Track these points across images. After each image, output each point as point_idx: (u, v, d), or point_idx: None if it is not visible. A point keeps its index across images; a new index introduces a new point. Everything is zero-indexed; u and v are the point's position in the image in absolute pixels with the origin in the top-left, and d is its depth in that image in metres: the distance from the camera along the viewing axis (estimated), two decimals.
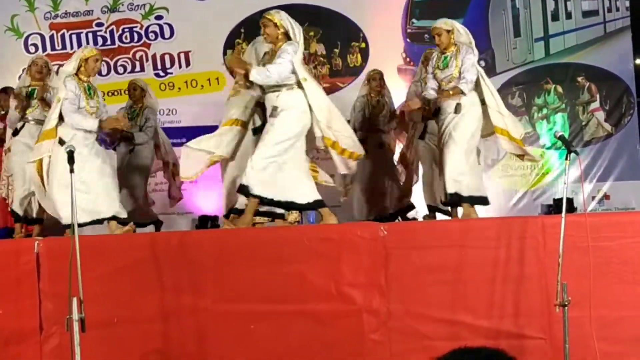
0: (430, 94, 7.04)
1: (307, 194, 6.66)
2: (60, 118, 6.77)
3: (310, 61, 9.80)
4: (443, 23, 7.01)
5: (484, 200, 7.03)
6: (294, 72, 6.43)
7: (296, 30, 6.54)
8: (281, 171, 6.49)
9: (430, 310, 5.84)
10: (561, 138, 5.54)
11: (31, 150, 7.04)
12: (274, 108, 6.47)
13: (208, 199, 9.20)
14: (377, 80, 8.47)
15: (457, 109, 6.79)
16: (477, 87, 6.93)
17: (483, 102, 6.92)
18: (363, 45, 9.91)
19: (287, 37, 6.53)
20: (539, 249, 5.82)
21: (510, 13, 10.36)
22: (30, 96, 7.43)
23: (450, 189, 6.83)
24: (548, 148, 10.07)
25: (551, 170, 9.97)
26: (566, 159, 5.29)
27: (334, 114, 6.65)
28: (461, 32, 6.99)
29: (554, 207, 8.74)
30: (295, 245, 5.97)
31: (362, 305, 5.84)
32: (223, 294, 5.88)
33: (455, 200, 6.89)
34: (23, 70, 8.17)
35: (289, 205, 6.74)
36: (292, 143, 6.49)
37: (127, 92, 8.49)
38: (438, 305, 5.85)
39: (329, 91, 9.66)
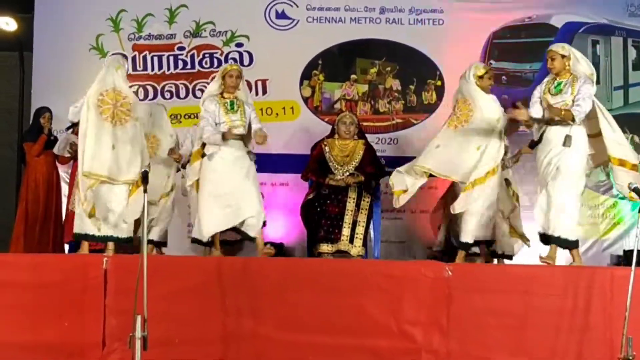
0: (537, 112, 6.67)
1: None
2: None
3: (385, 96, 9.82)
4: (560, 47, 6.71)
5: (575, 244, 6.69)
6: None
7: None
8: None
9: (491, 353, 5.80)
10: (635, 190, 5.45)
11: None
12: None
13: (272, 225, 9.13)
14: None
15: (567, 141, 6.45)
16: (589, 120, 6.58)
17: (594, 135, 6.60)
18: (439, 83, 9.87)
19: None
20: (606, 300, 5.76)
21: (591, 60, 10.20)
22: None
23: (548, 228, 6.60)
24: (621, 198, 9.88)
25: (623, 220, 9.78)
26: (639, 211, 5.22)
27: None
28: (580, 62, 6.70)
29: (624, 259, 8.57)
30: (359, 279, 5.97)
31: (421, 344, 5.82)
32: (284, 322, 5.90)
33: (544, 240, 6.68)
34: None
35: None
36: None
37: None
38: (499, 349, 5.81)
39: (401, 127, 9.73)
